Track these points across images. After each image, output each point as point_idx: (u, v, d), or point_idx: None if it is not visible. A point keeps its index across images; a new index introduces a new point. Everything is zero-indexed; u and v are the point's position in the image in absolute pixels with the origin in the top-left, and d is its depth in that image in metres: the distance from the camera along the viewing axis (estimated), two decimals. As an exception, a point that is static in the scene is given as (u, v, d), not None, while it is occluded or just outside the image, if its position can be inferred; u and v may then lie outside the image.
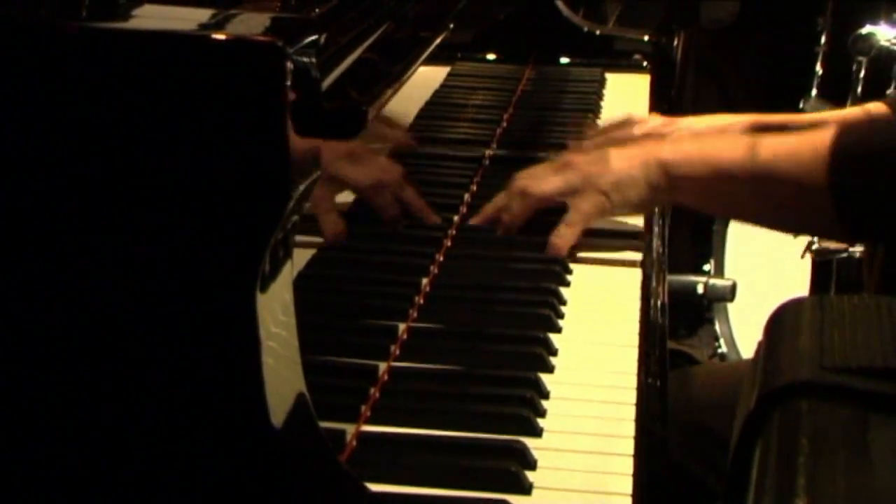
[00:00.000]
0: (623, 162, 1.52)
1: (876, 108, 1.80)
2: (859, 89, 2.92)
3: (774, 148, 1.44)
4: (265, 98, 0.90)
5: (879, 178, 1.37)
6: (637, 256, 1.55)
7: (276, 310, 0.95)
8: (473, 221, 1.58)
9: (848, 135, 1.40)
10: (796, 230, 2.00)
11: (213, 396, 0.93)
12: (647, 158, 1.50)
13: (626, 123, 1.81)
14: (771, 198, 1.46)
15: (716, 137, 1.52)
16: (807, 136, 1.44)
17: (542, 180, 1.55)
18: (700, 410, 1.65)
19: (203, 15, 1.00)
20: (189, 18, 0.99)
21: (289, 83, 0.90)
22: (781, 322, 0.96)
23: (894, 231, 1.44)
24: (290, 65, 0.91)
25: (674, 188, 1.50)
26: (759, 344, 0.95)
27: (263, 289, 0.92)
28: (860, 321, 0.93)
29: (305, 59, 0.95)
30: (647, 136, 1.69)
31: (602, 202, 1.52)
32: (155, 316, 0.92)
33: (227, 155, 0.91)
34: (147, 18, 0.99)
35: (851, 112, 1.86)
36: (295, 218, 0.96)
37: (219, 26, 0.98)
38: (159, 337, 0.92)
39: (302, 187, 0.94)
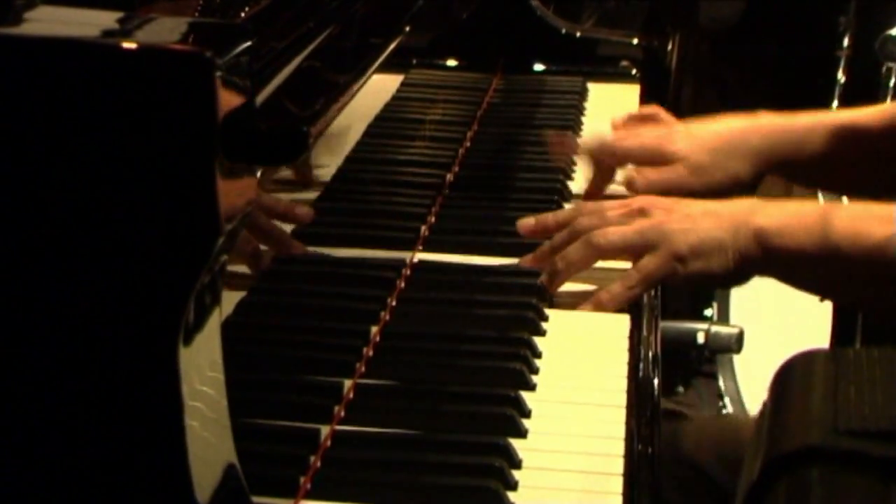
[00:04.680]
0: (711, 221, 1.52)
1: None
2: (888, 100, 2.95)
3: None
4: (189, 118, 0.91)
5: None
6: (624, 300, 1.57)
7: (202, 365, 0.97)
8: (523, 263, 1.58)
9: None
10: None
11: (129, 467, 0.94)
12: (739, 222, 1.51)
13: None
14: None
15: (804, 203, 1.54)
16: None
17: (611, 231, 1.54)
18: (692, 458, 1.67)
19: (108, 18, 1.00)
20: (94, 23, 0.99)
21: (219, 100, 0.92)
22: (790, 378, 0.98)
23: None
24: (219, 79, 0.92)
25: (769, 261, 1.51)
26: (764, 403, 0.97)
27: (187, 341, 0.94)
28: (881, 377, 0.95)
29: (236, 72, 0.96)
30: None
31: (673, 269, 1.52)
32: (58, 371, 0.93)
33: (144, 185, 0.92)
34: (45, 22, 0.98)
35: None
36: (224, 258, 0.98)
37: (128, 33, 0.98)
38: (63, 395, 0.94)
39: (233, 222, 0.96)
